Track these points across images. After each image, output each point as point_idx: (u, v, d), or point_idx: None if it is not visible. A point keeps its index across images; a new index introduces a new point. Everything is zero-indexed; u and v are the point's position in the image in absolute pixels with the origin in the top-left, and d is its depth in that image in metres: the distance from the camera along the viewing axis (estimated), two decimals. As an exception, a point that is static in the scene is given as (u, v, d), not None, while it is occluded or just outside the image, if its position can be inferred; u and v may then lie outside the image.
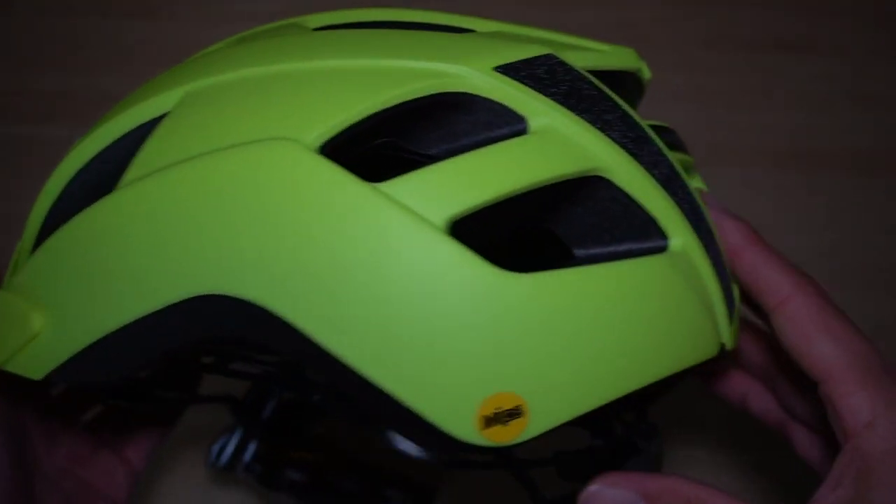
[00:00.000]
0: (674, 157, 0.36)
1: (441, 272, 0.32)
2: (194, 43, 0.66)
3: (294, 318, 0.32)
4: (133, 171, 0.34)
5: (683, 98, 0.67)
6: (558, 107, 0.34)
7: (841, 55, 0.68)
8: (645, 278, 0.34)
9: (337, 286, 0.32)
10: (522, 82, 0.34)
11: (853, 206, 0.65)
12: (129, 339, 0.33)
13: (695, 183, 0.40)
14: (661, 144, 0.36)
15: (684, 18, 0.68)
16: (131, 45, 0.65)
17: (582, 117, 0.34)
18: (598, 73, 0.36)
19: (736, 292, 0.37)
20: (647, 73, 0.39)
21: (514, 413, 0.32)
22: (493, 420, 0.32)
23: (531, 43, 0.36)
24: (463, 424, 0.32)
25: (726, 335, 0.36)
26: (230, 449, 0.50)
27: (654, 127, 0.37)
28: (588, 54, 0.36)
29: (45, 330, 0.34)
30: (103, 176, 0.35)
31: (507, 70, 0.34)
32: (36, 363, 0.34)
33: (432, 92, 0.33)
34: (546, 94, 0.34)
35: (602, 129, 0.34)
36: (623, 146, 0.34)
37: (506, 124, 0.34)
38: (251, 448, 0.51)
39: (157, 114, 0.35)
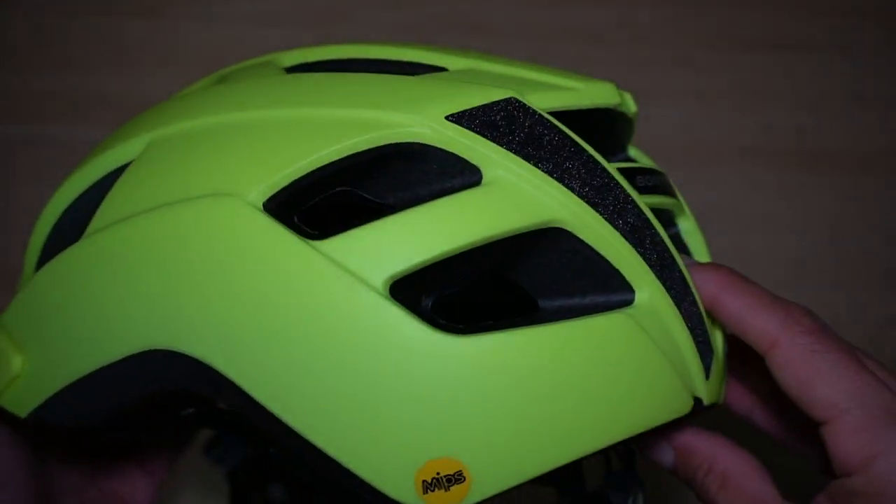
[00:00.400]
0: (648, 202, 0.35)
1: (378, 335, 0.31)
2: (194, 43, 0.66)
3: (234, 376, 0.32)
4: (95, 222, 0.35)
5: (683, 98, 0.67)
6: (513, 157, 0.33)
7: (841, 55, 0.68)
8: (600, 338, 0.33)
9: (274, 347, 0.32)
10: (476, 131, 0.33)
11: (853, 206, 0.65)
12: (95, 386, 0.34)
13: (684, 224, 0.40)
14: (629, 191, 0.34)
15: (684, 18, 0.68)
16: (131, 45, 0.65)
17: (539, 167, 0.33)
18: (574, 113, 0.35)
19: (718, 343, 0.36)
20: (631, 107, 0.38)
21: (454, 478, 0.32)
22: (433, 485, 0.32)
23: (496, 84, 0.35)
24: (402, 488, 0.32)
25: (702, 390, 0.35)
26: (222, 448, 0.49)
27: (636, 170, 0.36)
28: (557, 94, 0.35)
29: (24, 372, 0.36)
30: (78, 223, 0.36)
31: (461, 118, 0.33)
32: (20, 402, 0.36)
33: (382, 143, 0.33)
34: (500, 143, 0.33)
35: (561, 179, 0.33)
36: (584, 196, 0.34)
37: (459, 174, 0.33)
38: (238, 454, 0.50)
39: (123, 161, 0.36)
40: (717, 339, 0.36)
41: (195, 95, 0.37)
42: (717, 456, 0.35)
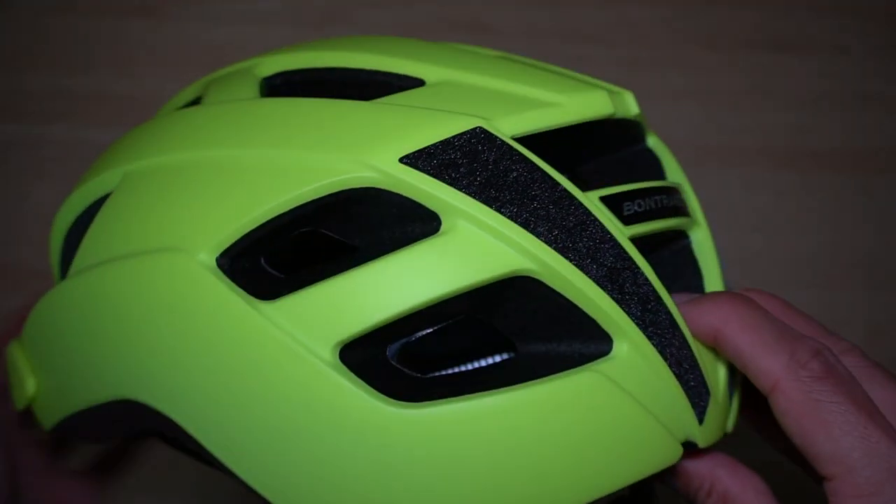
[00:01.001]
0: (637, 232, 0.33)
1: (323, 405, 0.31)
2: (194, 43, 0.66)
3: (193, 432, 0.33)
4: (77, 260, 0.36)
5: (683, 98, 0.67)
6: (472, 202, 0.31)
7: (841, 54, 0.68)
8: (566, 403, 0.31)
9: (227, 409, 0.32)
10: (431, 173, 0.31)
11: (853, 206, 0.65)
12: (90, 420, 0.36)
13: (697, 235, 0.37)
14: (609, 226, 0.32)
15: (684, 18, 0.68)
16: (131, 45, 0.65)
17: (501, 212, 0.31)
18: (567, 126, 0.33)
19: (720, 379, 0.34)
20: (631, 109, 0.36)
21: None
22: None
23: (469, 105, 0.33)
24: None
25: (696, 433, 0.33)
26: None
27: (625, 195, 0.33)
28: (536, 114, 0.33)
29: (38, 394, 0.38)
30: (75, 246, 0.37)
31: (417, 159, 0.31)
32: (43, 416, 0.38)
33: (335, 190, 0.31)
34: (459, 187, 0.31)
35: (526, 224, 0.31)
36: (552, 241, 0.31)
37: (419, 220, 0.31)
38: None
39: (105, 191, 0.36)
40: (720, 376, 0.34)
41: (168, 121, 0.36)
42: (717, 477, 0.34)
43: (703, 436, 0.33)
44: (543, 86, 0.34)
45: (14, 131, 0.64)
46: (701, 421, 0.33)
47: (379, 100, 0.33)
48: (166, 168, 0.34)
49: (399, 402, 0.31)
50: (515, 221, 0.31)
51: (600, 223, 0.32)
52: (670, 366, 0.32)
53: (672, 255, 0.37)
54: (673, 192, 0.36)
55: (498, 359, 0.34)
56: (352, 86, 0.35)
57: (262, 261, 0.33)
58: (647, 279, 0.32)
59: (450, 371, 0.34)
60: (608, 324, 0.32)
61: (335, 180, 0.31)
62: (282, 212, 0.31)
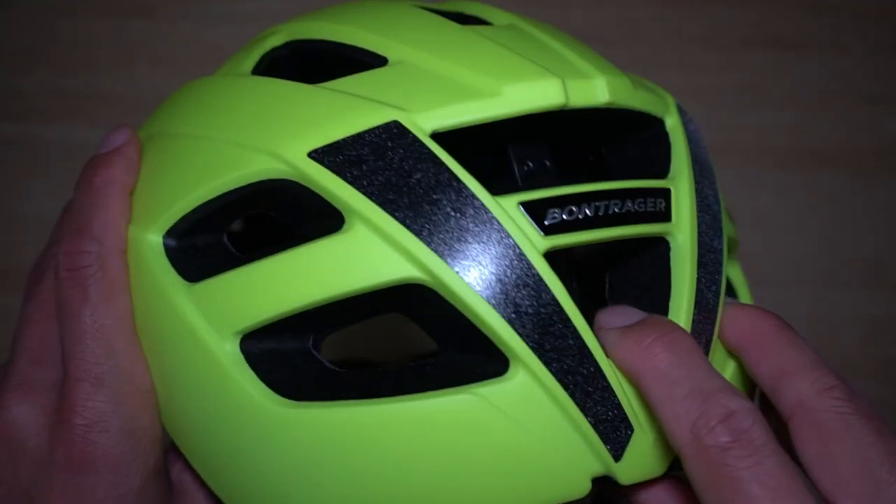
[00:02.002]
0: (560, 243, 0.30)
1: (214, 392, 0.31)
2: (194, 43, 0.66)
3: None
4: None
5: (683, 98, 0.67)
6: (369, 204, 0.30)
7: (841, 54, 0.68)
8: (438, 420, 0.30)
9: (160, 383, 0.34)
10: (336, 170, 0.30)
11: (853, 206, 0.65)
12: None
13: (678, 240, 0.34)
14: (519, 237, 0.30)
15: (684, 18, 0.68)
16: (131, 45, 0.65)
17: (395, 216, 0.29)
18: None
19: (635, 414, 0.31)
20: (600, 98, 0.32)
21: None
22: None
23: (410, 91, 0.31)
24: None
25: (615, 468, 0.30)
26: None
27: (553, 200, 0.31)
28: (467, 106, 0.31)
29: None
30: None
31: (325, 154, 0.30)
32: None
33: (254, 180, 0.32)
34: (359, 187, 0.30)
35: (419, 231, 0.29)
36: (443, 252, 0.29)
37: (326, 216, 0.31)
38: None
39: None
40: (630, 411, 0.31)
41: (181, 95, 0.37)
42: None
43: (624, 472, 0.30)
44: (494, 72, 0.32)
45: (13, 131, 0.64)
46: (619, 456, 0.30)
47: (324, 84, 0.32)
48: (146, 139, 0.36)
49: (285, 399, 0.31)
50: (408, 227, 0.29)
51: (505, 232, 0.30)
52: (573, 396, 0.30)
53: (647, 263, 0.34)
54: (638, 194, 0.32)
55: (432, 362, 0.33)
56: (330, 61, 0.34)
57: (222, 239, 0.33)
58: (553, 298, 0.30)
59: (373, 370, 0.33)
60: (502, 344, 0.30)
61: (253, 170, 0.31)
62: (211, 197, 0.32)
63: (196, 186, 0.32)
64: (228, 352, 0.31)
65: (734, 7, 0.69)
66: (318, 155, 0.30)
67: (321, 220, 0.31)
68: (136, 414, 0.33)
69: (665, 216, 0.33)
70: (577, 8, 0.68)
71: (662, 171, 0.35)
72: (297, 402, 0.31)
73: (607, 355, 0.31)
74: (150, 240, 0.33)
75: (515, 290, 0.30)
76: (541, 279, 0.30)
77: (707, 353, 0.32)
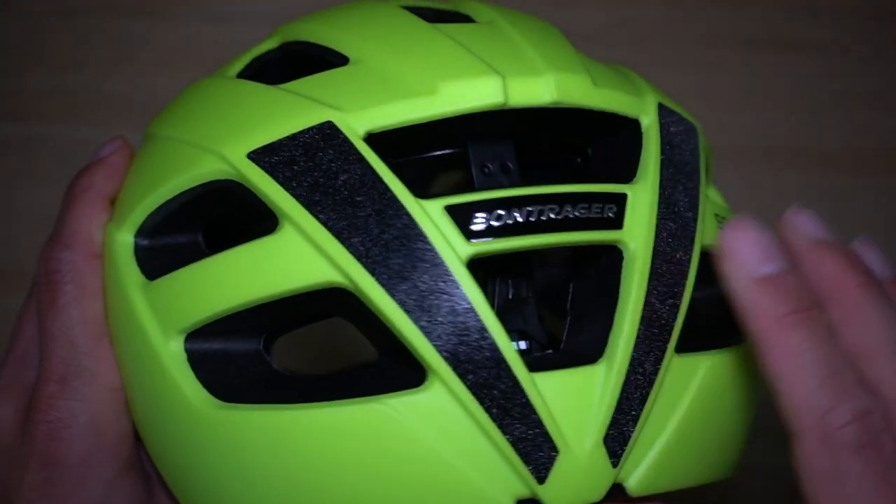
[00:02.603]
0: (489, 249, 0.29)
1: (154, 388, 0.32)
2: (194, 43, 0.66)
3: None
4: None
5: (683, 98, 0.67)
6: (297, 206, 0.29)
7: (841, 54, 0.68)
8: (346, 430, 0.29)
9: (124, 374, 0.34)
10: (269, 171, 0.30)
11: (853, 206, 0.65)
12: None
13: (630, 250, 0.31)
14: (436, 242, 0.29)
15: (684, 18, 0.68)
16: (131, 45, 0.65)
17: (319, 219, 0.29)
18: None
19: (582, 434, 0.29)
20: (543, 97, 0.31)
21: None
22: None
23: (350, 92, 0.31)
24: None
25: (539, 492, 0.29)
26: None
27: (479, 204, 0.29)
28: (396, 107, 0.30)
29: None
30: None
31: (261, 155, 0.30)
32: None
33: (204, 181, 0.32)
34: (289, 188, 0.29)
35: (340, 234, 0.29)
36: (363, 255, 0.29)
37: (264, 217, 0.31)
38: None
39: None
40: (588, 429, 0.30)
41: (176, 97, 0.38)
42: None
43: (550, 496, 0.29)
44: (433, 70, 0.31)
45: (12, 131, 0.64)
46: (542, 479, 0.29)
47: (284, 85, 0.32)
48: (142, 141, 0.37)
49: (216, 401, 0.31)
50: (330, 230, 0.29)
51: (425, 237, 0.29)
52: (489, 411, 0.28)
53: (602, 272, 0.32)
54: (583, 199, 0.31)
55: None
56: (312, 62, 0.34)
57: (197, 239, 0.33)
58: (470, 307, 0.28)
59: (315, 375, 0.33)
60: (416, 353, 0.28)
61: (201, 171, 0.32)
62: (169, 197, 0.32)
63: (157, 186, 0.33)
64: (172, 350, 0.32)
65: (735, 7, 0.69)
66: (256, 156, 0.30)
67: (262, 221, 0.30)
68: (101, 410, 0.34)
69: (615, 223, 0.31)
70: (577, 8, 0.68)
71: (631, 174, 0.33)
72: (226, 404, 0.31)
73: (735, 298, 0.28)
74: (120, 238, 0.33)
75: (431, 297, 0.28)
76: (458, 287, 0.28)
77: (656, 375, 0.30)
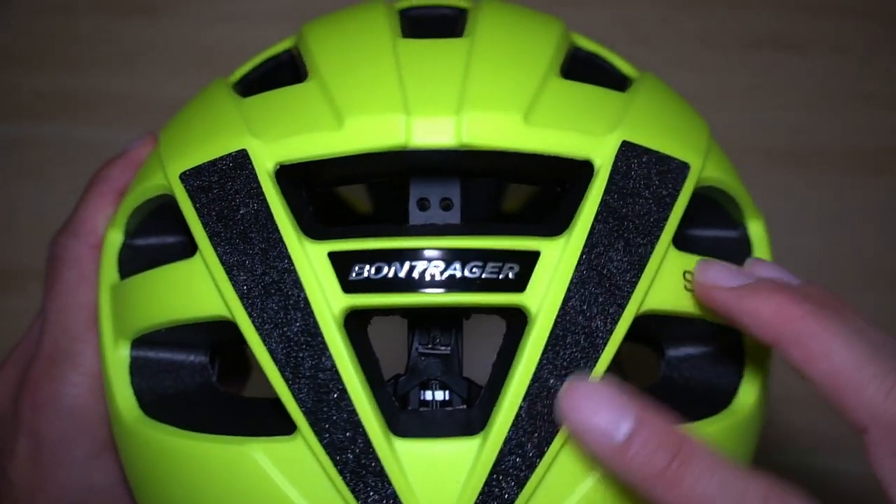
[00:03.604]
0: (353, 304, 0.28)
1: (106, 390, 0.33)
2: (194, 43, 0.66)
3: None
4: None
5: (683, 98, 0.67)
6: (202, 234, 0.29)
7: (841, 53, 0.68)
8: (214, 467, 0.29)
9: None
10: (191, 194, 0.30)
11: (853, 206, 0.65)
12: None
13: (531, 315, 0.28)
14: (310, 291, 0.28)
15: (684, 18, 0.68)
16: (131, 45, 0.65)
17: (217, 251, 0.29)
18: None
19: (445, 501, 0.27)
20: (444, 139, 0.29)
21: None
22: None
23: (267, 126, 0.30)
24: None
25: None
26: None
27: (360, 254, 0.28)
28: (306, 139, 0.29)
29: None
30: None
31: (189, 177, 0.30)
32: None
33: (157, 193, 0.33)
34: (200, 215, 0.29)
35: (230, 270, 0.28)
36: (244, 294, 0.28)
37: (176, 234, 0.32)
38: None
39: None
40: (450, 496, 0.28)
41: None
42: None
43: None
44: (348, 102, 0.29)
45: (12, 131, 0.64)
46: None
47: (244, 99, 0.32)
48: None
49: (139, 412, 0.32)
50: (223, 263, 0.28)
51: (300, 284, 0.28)
52: (342, 473, 0.27)
53: (508, 335, 0.30)
54: (477, 256, 0.28)
55: None
56: (291, 73, 0.34)
57: (182, 241, 0.34)
58: (332, 364, 0.27)
59: (243, 400, 0.34)
60: (283, 402, 0.28)
61: (152, 183, 0.32)
62: (139, 203, 0.33)
63: (134, 188, 0.34)
64: (118, 354, 0.32)
65: (734, 7, 0.69)
66: (185, 177, 0.30)
67: (191, 241, 0.31)
68: (81, 394, 0.35)
69: (516, 285, 0.28)
70: (576, 8, 0.68)
71: (566, 225, 0.29)
72: (142, 417, 0.31)
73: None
74: (112, 234, 0.34)
75: (297, 349, 0.27)
76: (323, 341, 0.27)
77: (541, 457, 0.27)
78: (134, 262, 0.34)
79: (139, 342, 0.32)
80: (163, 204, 0.33)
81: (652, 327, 0.31)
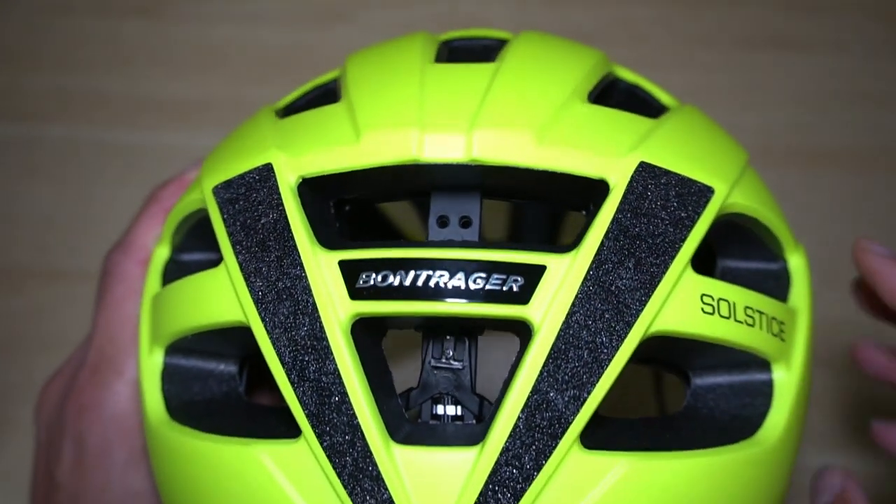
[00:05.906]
0: (360, 311, 0.28)
1: (141, 396, 0.34)
2: (193, 43, 0.66)
3: None
4: None
5: (683, 98, 0.67)
6: (227, 244, 0.30)
7: (841, 53, 0.68)
8: (215, 466, 0.30)
9: None
10: (221, 206, 0.31)
11: (853, 206, 0.65)
12: None
13: (536, 331, 0.28)
14: (318, 297, 0.28)
15: (684, 18, 0.68)
16: (131, 45, 0.65)
17: (238, 259, 0.30)
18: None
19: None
20: (453, 154, 0.29)
21: None
22: None
23: (294, 142, 0.31)
24: None
25: None
26: None
27: (373, 263, 0.28)
28: (327, 155, 0.30)
29: None
30: None
31: (220, 190, 0.32)
32: None
33: (196, 207, 0.34)
34: (227, 225, 0.31)
35: (247, 276, 0.29)
36: (259, 300, 0.29)
37: (219, 251, 0.32)
38: None
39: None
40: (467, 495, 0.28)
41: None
42: None
43: None
44: (366, 118, 0.30)
45: (12, 131, 0.64)
46: None
47: (283, 119, 0.34)
48: None
49: (167, 417, 0.33)
50: (242, 271, 0.30)
51: (309, 290, 0.28)
52: (341, 476, 0.28)
53: (519, 351, 0.30)
54: (482, 268, 0.28)
55: None
56: (332, 99, 0.35)
57: (213, 257, 0.35)
58: (335, 368, 0.28)
59: (261, 407, 0.35)
60: (289, 407, 0.29)
61: (193, 197, 0.34)
62: (180, 219, 0.35)
63: (178, 204, 0.35)
64: (153, 361, 0.34)
65: (735, 7, 0.69)
66: (217, 190, 0.32)
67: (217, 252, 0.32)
68: (121, 401, 0.37)
69: (520, 297, 0.28)
70: (576, 8, 0.68)
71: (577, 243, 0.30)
72: (169, 422, 0.33)
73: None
74: (159, 250, 0.36)
75: (304, 353, 0.28)
76: (328, 346, 0.28)
77: (538, 470, 0.27)
78: (175, 273, 0.35)
79: (173, 349, 0.34)
80: (202, 218, 0.34)
81: (671, 351, 0.31)
